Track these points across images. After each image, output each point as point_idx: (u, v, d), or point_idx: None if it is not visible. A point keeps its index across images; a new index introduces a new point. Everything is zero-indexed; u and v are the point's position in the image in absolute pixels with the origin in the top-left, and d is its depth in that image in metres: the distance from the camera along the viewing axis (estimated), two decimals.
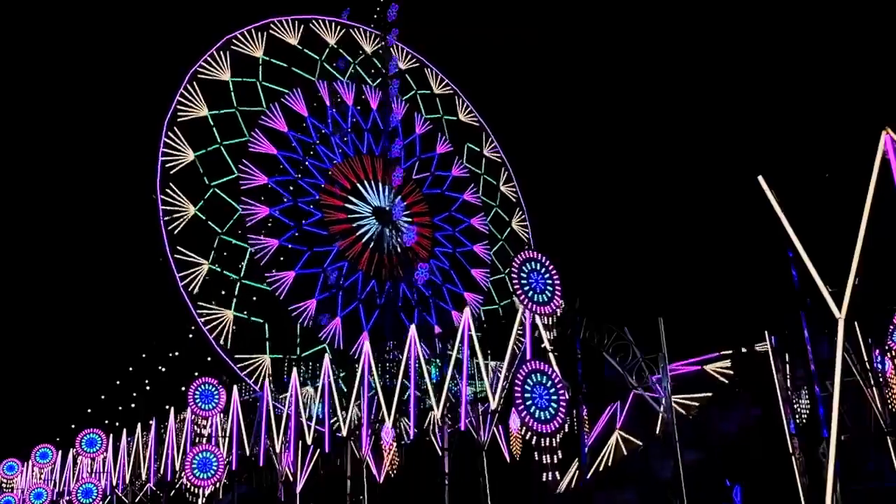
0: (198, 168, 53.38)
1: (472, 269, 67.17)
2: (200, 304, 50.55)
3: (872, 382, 26.30)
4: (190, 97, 54.47)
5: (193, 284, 50.48)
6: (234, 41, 58.05)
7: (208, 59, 56.15)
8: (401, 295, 61.56)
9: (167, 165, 51.82)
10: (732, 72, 77.84)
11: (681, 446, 27.94)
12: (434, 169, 68.34)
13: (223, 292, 52.43)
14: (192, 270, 50.82)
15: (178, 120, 53.49)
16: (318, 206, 59.84)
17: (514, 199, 72.25)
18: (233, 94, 56.95)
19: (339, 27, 65.68)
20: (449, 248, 66.56)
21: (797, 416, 25.86)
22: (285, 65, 60.92)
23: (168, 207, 51.01)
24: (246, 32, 58.84)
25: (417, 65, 70.69)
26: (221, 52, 57.00)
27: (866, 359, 26.09)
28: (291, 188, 58.70)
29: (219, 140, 55.09)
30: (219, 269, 52.35)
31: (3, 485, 71.35)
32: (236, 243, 53.85)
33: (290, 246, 56.71)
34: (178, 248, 50.77)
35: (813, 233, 19.36)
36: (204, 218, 52.72)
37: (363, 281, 60.42)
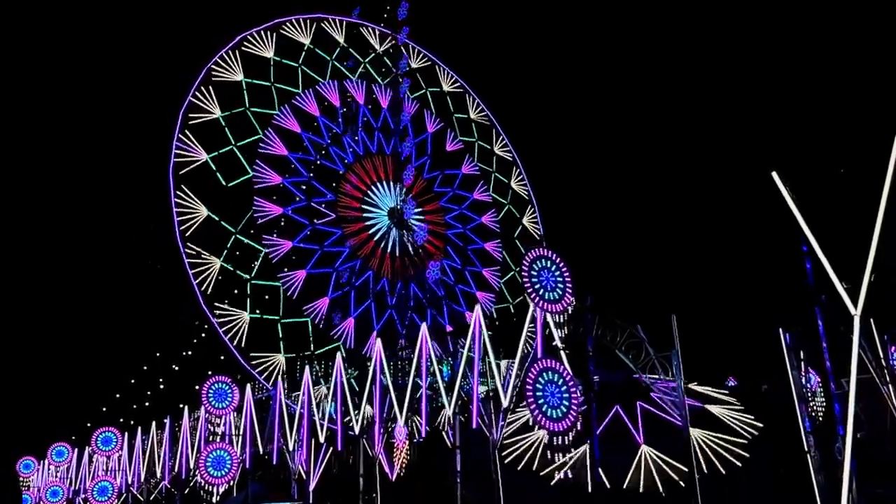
0: (211, 169, 53.41)
1: (484, 269, 67.03)
2: (217, 304, 50.61)
3: (888, 380, 26.05)
4: (202, 98, 54.54)
5: (206, 284, 50.55)
6: (244, 42, 58.06)
7: (219, 59, 56.24)
8: (412, 294, 61.47)
9: (179, 169, 51.85)
10: (746, 66, 77.19)
11: None
12: (445, 167, 68.21)
13: (236, 291, 52.54)
14: (204, 269, 50.91)
15: (190, 123, 53.58)
16: (332, 206, 59.83)
17: (525, 197, 72.05)
18: (245, 94, 57.06)
19: (349, 26, 65.73)
20: (460, 245, 66.41)
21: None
22: (296, 65, 60.93)
23: (181, 210, 51.05)
24: (257, 33, 58.85)
25: (428, 63, 70.53)
26: (232, 53, 57.10)
27: (882, 356, 25.85)
28: (304, 188, 58.77)
29: (232, 141, 55.21)
30: (231, 269, 52.43)
31: (20, 482, 72.06)
32: (248, 243, 53.89)
33: (302, 245, 56.78)
34: (190, 245, 50.85)
35: (828, 228, 19.15)
36: (217, 219, 52.76)
37: (374, 280, 60.41)
